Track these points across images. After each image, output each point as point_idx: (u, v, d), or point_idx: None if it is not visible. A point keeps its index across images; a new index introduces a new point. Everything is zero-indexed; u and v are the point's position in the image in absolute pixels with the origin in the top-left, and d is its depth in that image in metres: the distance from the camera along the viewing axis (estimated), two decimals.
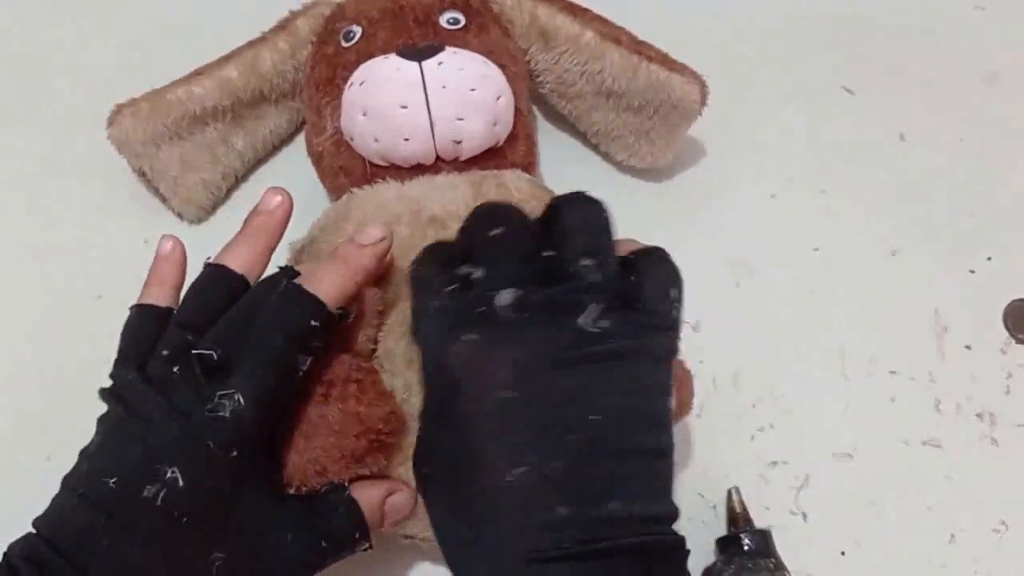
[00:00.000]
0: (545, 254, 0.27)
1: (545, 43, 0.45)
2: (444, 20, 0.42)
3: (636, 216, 0.48)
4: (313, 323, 0.31)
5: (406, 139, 0.39)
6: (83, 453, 0.30)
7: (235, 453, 0.29)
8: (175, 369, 0.30)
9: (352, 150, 0.41)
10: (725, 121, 0.48)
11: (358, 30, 0.42)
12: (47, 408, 0.44)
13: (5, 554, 0.28)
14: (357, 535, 0.32)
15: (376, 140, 0.39)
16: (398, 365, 0.35)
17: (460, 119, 0.39)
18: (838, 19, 0.56)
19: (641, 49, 0.44)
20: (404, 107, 0.38)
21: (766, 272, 0.47)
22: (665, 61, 0.43)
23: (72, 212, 0.49)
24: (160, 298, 0.33)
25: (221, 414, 0.29)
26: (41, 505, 0.29)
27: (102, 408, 0.31)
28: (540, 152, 0.47)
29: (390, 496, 0.33)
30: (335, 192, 0.43)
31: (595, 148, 0.50)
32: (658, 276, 0.28)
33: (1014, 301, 0.46)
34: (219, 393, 0.29)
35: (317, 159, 0.43)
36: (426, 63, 0.39)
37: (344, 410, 0.32)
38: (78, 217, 0.49)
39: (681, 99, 0.43)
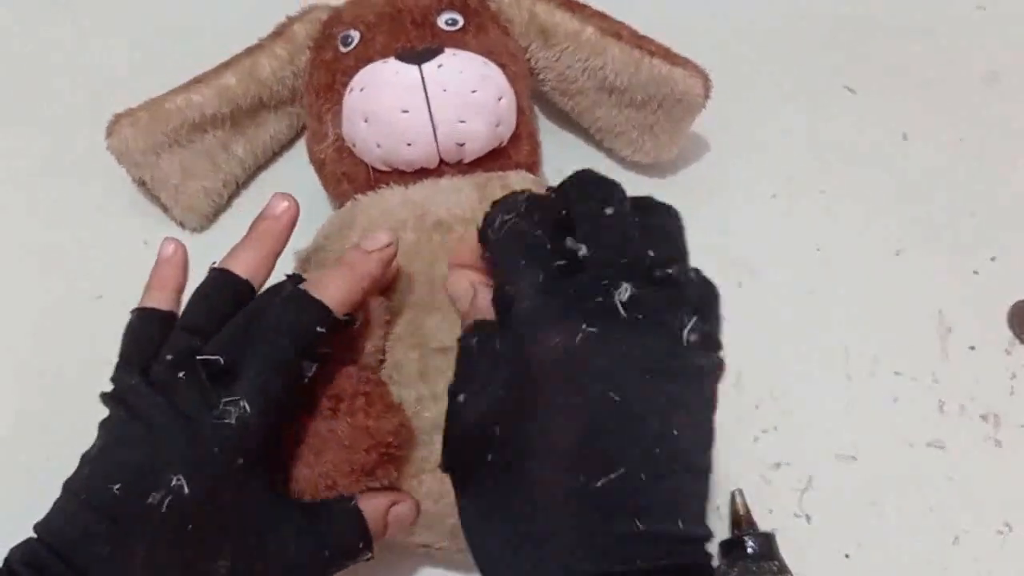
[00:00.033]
0: (647, 249, 0.26)
1: (545, 40, 0.45)
2: (442, 21, 0.42)
3: None
4: (319, 329, 0.30)
5: (409, 143, 0.39)
6: (85, 457, 0.30)
7: (241, 460, 0.29)
8: (180, 374, 0.29)
9: (354, 156, 0.41)
10: (725, 121, 0.48)
11: (356, 35, 0.42)
12: (47, 408, 0.43)
13: (6, 559, 0.28)
14: (360, 544, 0.32)
15: (378, 145, 0.39)
16: (407, 376, 0.35)
17: (462, 121, 0.39)
18: (838, 19, 0.56)
19: (642, 44, 0.43)
20: (405, 111, 0.38)
21: (768, 272, 0.47)
22: (667, 55, 0.43)
23: (72, 212, 0.49)
24: (162, 302, 0.33)
25: (227, 421, 0.28)
26: (41, 507, 0.29)
27: (102, 409, 0.31)
28: (542, 151, 0.46)
29: (394, 506, 0.33)
30: (338, 199, 0.43)
31: (598, 145, 0.50)
32: (708, 295, 0.28)
33: (1018, 302, 0.46)
34: (225, 400, 0.29)
35: (319, 166, 0.43)
36: (426, 66, 0.38)
37: (353, 424, 0.31)
38: (78, 217, 0.49)
39: (684, 93, 0.43)
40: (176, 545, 0.28)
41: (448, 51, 0.39)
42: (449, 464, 0.29)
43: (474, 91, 0.39)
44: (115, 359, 0.32)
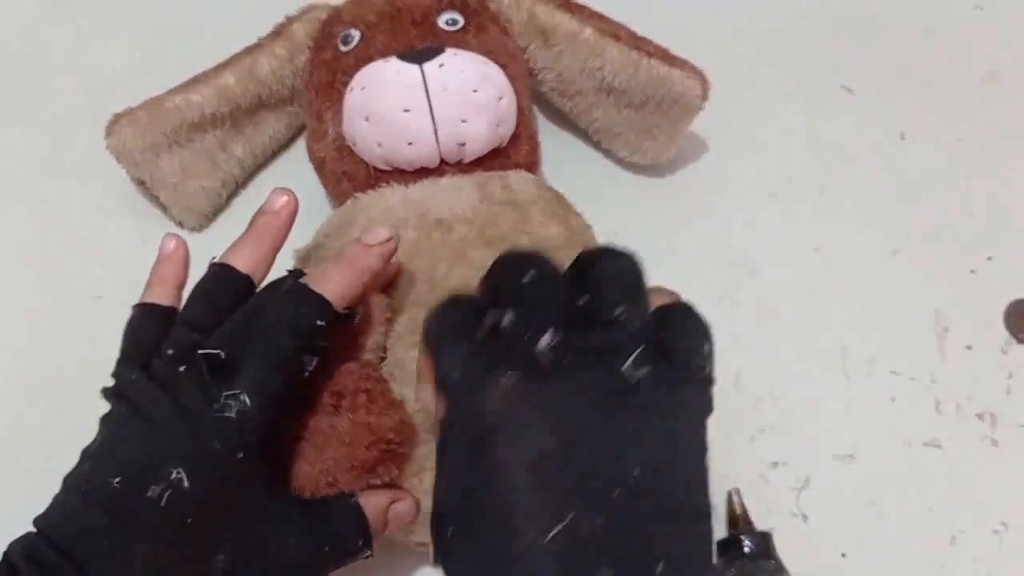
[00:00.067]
0: (580, 301, 0.25)
1: (544, 41, 0.45)
2: (442, 21, 0.42)
3: (637, 217, 0.48)
4: (319, 322, 0.31)
5: (410, 143, 0.39)
6: (85, 452, 0.30)
7: (241, 455, 0.29)
8: (181, 368, 0.29)
9: (354, 155, 0.41)
10: (725, 121, 0.48)
11: (356, 34, 0.42)
12: (47, 408, 0.43)
13: (5, 553, 0.28)
14: (360, 542, 0.32)
15: (379, 145, 0.39)
16: (408, 375, 0.35)
17: (463, 121, 0.39)
18: (838, 19, 0.56)
19: (640, 45, 0.44)
20: (407, 111, 0.38)
21: (766, 272, 0.47)
22: (665, 56, 0.43)
23: (72, 212, 0.49)
24: (163, 297, 0.33)
25: (227, 415, 0.28)
26: (40, 505, 0.29)
27: (102, 408, 0.31)
28: (541, 151, 0.46)
29: (394, 504, 0.33)
30: (338, 198, 0.43)
31: (596, 145, 0.50)
32: (690, 329, 0.26)
33: (1015, 301, 0.46)
34: (225, 394, 0.29)
35: (319, 165, 0.43)
36: (427, 65, 0.38)
37: (354, 420, 0.31)
38: (78, 217, 0.49)
39: (682, 94, 0.43)
40: (176, 539, 0.28)
41: (449, 51, 0.39)
42: (432, 525, 0.27)
43: (475, 91, 0.39)
44: (115, 359, 0.32)
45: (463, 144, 0.39)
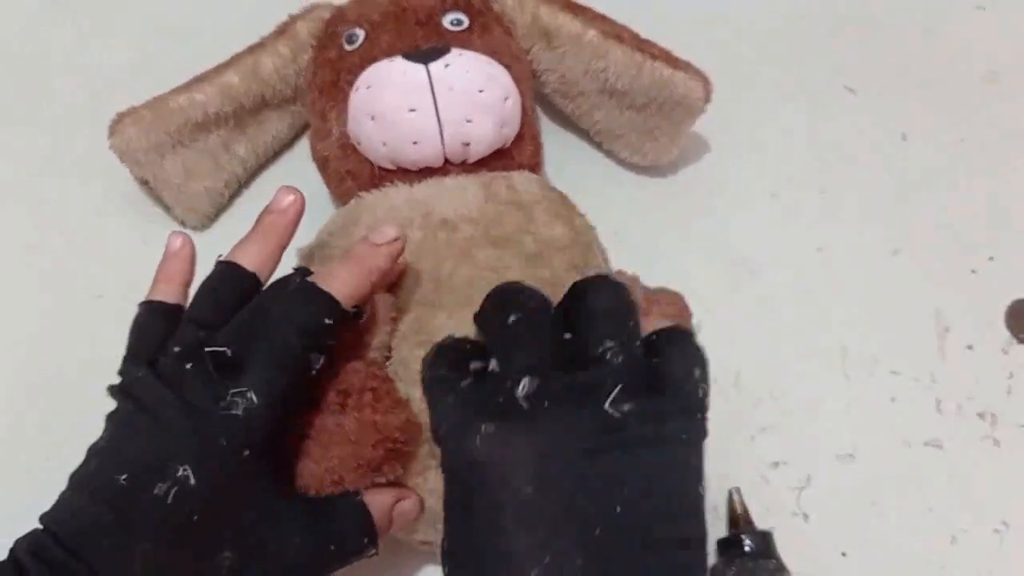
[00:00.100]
0: (566, 338, 0.26)
1: (547, 42, 0.45)
2: (447, 21, 0.42)
3: (638, 217, 0.48)
4: (327, 320, 0.31)
5: (415, 143, 0.39)
6: (91, 450, 0.30)
7: (247, 452, 0.29)
8: (188, 366, 0.29)
9: (359, 154, 0.41)
10: (725, 121, 0.48)
11: (361, 33, 0.42)
12: (47, 408, 0.43)
13: (11, 550, 0.28)
14: (365, 540, 0.32)
15: (384, 144, 0.39)
16: (413, 373, 0.35)
17: (468, 121, 0.39)
18: (838, 19, 0.56)
19: (644, 47, 0.44)
20: (412, 110, 0.38)
21: (767, 272, 0.47)
22: (668, 58, 0.43)
23: (72, 212, 0.49)
24: (169, 295, 0.33)
25: (234, 412, 0.28)
26: (41, 504, 0.29)
27: (103, 407, 0.31)
28: (544, 152, 0.46)
29: (399, 502, 0.33)
30: (342, 197, 0.43)
31: (598, 147, 0.50)
32: (681, 356, 0.26)
33: (1016, 301, 0.46)
34: (232, 391, 0.29)
35: (323, 164, 0.43)
36: (432, 65, 0.38)
37: (360, 419, 0.31)
38: (78, 217, 0.49)
39: (685, 96, 0.43)
40: (182, 537, 0.28)
41: (454, 51, 0.39)
42: (441, 562, 0.28)
43: (481, 91, 0.39)
44: (116, 359, 0.32)
45: (468, 144, 0.39)
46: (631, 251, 0.44)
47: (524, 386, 0.25)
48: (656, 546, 0.24)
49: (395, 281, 0.37)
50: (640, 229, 0.48)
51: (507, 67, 0.41)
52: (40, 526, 0.29)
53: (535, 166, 0.43)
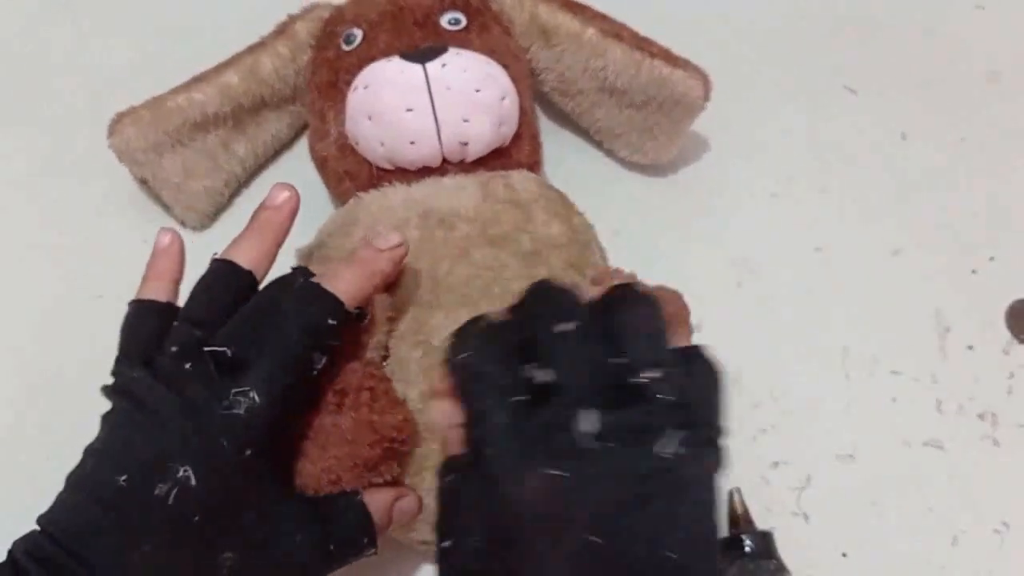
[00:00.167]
0: (614, 361, 0.25)
1: (546, 41, 0.45)
2: (445, 21, 0.42)
3: (638, 216, 0.48)
4: (331, 321, 0.31)
5: (412, 142, 0.39)
6: (88, 450, 0.30)
7: (249, 452, 0.29)
8: (187, 365, 0.29)
9: (357, 154, 0.41)
10: (725, 121, 0.48)
11: (359, 33, 0.42)
12: (47, 408, 0.43)
13: (9, 551, 0.28)
14: (365, 540, 0.32)
15: (382, 144, 0.39)
16: (411, 373, 0.35)
17: (466, 121, 0.39)
18: (838, 19, 0.56)
19: (643, 45, 0.43)
20: (410, 110, 0.38)
21: (767, 272, 0.47)
22: (667, 57, 0.43)
23: (72, 212, 0.49)
24: (160, 292, 0.33)
25: (236, 411, 0.28)
26: (39, 505, 0.29)
27: (102, 407, 0.31)
28: (543, 150, 0.46)
29: (398, 501, 0.33)
30: (340, 197, 0.43)
31: (598, 145, 0.50)
32: (708, 383, 0.26)
33: (1016, 301, 0.46)
34: (234, 390, 0.28)
35: (321, 164, 0.43)
36: (430, 65, 0.38)
37: (357, 419, 0.31)
38: (78, 217, 0.49)
39: (684, 94, 0.43)
40: (182, 537, 0.28)
41: (452, 50, 0.39)
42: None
43: (478, 90, 0.39)
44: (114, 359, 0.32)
45: (466, 144, 0.39)
46: (631, 251, 0.44)
47: (583, 422, 0.24)
48: None
49: (393, 281, 0.37)
50: (640, 229, 0.48)
51: (505, 66, 0.41)
52: (38, 528, 0.28)
53: (534, 165, 0.43)
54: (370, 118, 0.39)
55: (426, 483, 0.34)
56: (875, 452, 0.42)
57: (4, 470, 0.42)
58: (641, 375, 0.24)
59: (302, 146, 0.48)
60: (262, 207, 0.34)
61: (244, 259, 0.33)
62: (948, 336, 0.45)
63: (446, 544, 0.26)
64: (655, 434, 0.24)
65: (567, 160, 0.50)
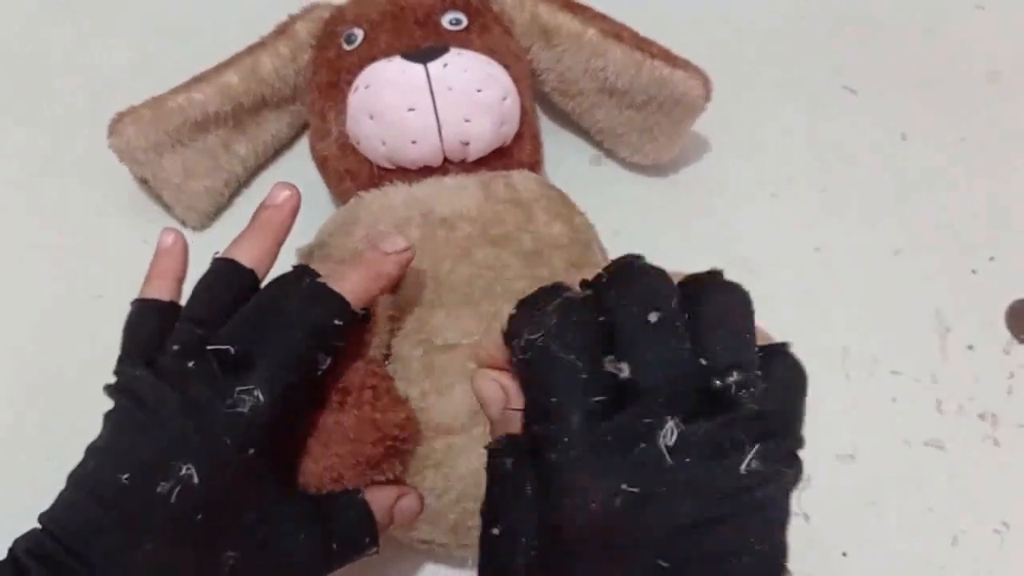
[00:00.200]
0: (702, 362, 0.22)
1: (547, 41, 0.45)
2: (446, 21, 0.42)
3: (638, 216, 0.48)
4: (337, 321, 0.30)
5: (413, 142, 0.39)
6: (90, 449, 0.30)
7: (252, 451, 0.29)
8: (190, 364, 0.29)
9: (358, 154, 0.41)
10: (725, 121, 0.48)
11: (359, 33, 0.42)
12: (47, 408, 0.43)
13: (10, 549, 0.28)
14: (367, 539, 0.32)
15: (383, 143, 0.39)
16: (412, 373, 0.35)
17: (467, 120, 0.39)
18: (838, 19, 0.56)
19: (643, 46, 0.44)
20: (411, 110, 0.38)
21: (767, 272, 0.47)
22: (667, 57, 0.43)
23: (72, 212, 0.49)
24: (162, 292, 0.33)
25: (240, 410, 0.28)
26: (40, 504, 0.29)
27: (103, 407, 0.31)
28: (544, 150, 0.46)
29: (400, 499, 0.33)
30: (341, 196, 0.43)
31: (598, 145, 0.50)
32: (792, 388, 0.23)
33: (1016, 301, 0.46)
34: (238, 389, 0.28)
35: (322, 163, 0.43)
36: (431, 65, 0.38)
37: (360, 417, 0.31)
38: (78, 217, 0.49)
39: (684, 94, 0.43)
40: (185, 536, 0.28)
41: (453, 50, 0.39)
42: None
43: (479, 90, 0.39)
44: (116, 358, 0.32)
45: (467, 143, 0.39)
46: (631, 251, 0.44)
47: (668, 434, 0.21)
48: None
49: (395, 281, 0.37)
50: (640, 229, 0.48)
51: (506, 66, 0.41)
52: (39, 526, 0.28)
53: (535, 165, 0.43)
54: (371, 117, 0.39)
55: (427, 482, 0.34)
56: (875, 452, 0.42)
57: (4, 470, 0.42)
58: (727, 379, 0.22)
59: (302, 146, 0.48)
60: (263, 206, 0.34)
61: (246, 258, 0.32)
62: (948, 336, 0.45)
63: (495, 531, 0.25)
64: (733, 450, 0.22)
65: (567, 160, 0.50)
